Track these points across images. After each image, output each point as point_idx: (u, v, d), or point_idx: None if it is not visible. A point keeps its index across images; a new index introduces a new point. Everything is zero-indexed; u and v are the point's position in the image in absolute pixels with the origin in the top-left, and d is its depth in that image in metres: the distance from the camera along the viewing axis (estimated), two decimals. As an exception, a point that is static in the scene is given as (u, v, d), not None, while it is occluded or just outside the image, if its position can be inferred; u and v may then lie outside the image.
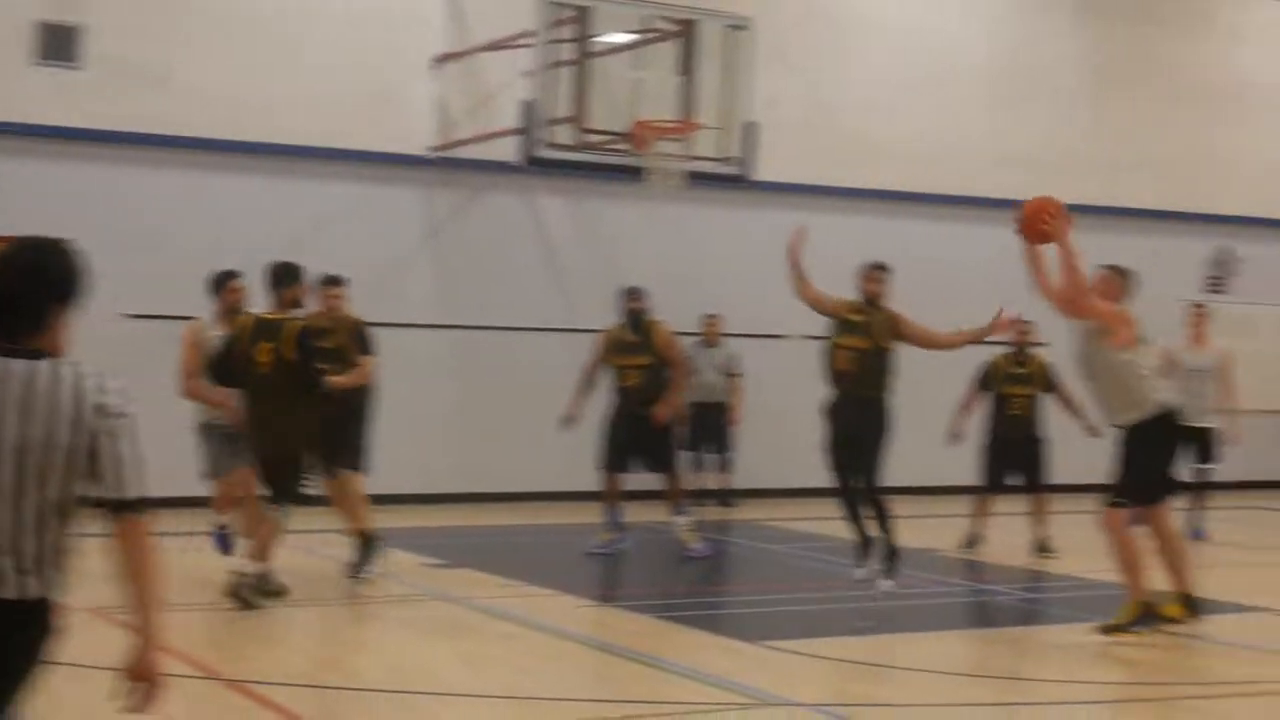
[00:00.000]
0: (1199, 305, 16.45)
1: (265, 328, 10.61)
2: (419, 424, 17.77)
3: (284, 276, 10.83)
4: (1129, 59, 21.79)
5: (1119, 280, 10.42)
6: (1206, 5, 22.44)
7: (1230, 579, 13.57)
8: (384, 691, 8.44)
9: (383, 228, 17.73)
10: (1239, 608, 11.73)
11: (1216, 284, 22.44)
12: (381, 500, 17.33)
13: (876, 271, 12.20)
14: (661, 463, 13.63)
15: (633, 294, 14.05)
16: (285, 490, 10.65)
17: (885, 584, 11.64)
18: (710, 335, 18.30)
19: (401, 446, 17.67)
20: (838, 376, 11.89)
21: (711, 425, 18.03)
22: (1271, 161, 22.62)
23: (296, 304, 10.93)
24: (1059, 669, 9.63)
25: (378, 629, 10.35)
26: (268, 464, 10.63)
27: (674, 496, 13.76)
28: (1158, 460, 10.16)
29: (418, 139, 17.78)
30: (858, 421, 11.64)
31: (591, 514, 14.12)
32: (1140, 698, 8.79)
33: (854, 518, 11.88)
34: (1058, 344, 12.99)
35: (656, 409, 13.41)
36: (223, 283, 11.78)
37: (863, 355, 11.73)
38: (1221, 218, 22.30)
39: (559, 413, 14.13)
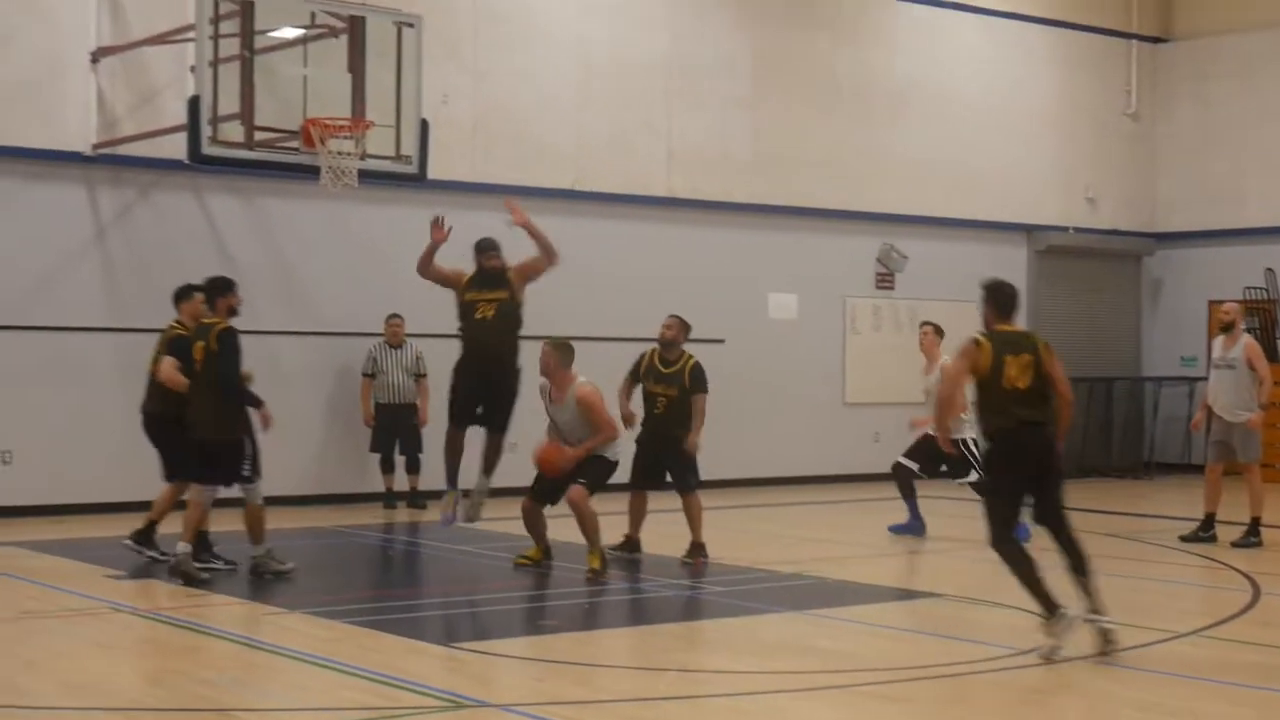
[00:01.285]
0: (928, 325, 16.44)
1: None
2: (90, 431, 17.35)
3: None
4: (789, 61, 22.44)
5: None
6: (861, 9, 23.22)
7: (907, 567, 14.16)
8: (60, 709, 8.19)
9: (44, 228, 17.20)
10: (910, 594, 12.26)
11: (885, 281, 23.29)
12: (56, 510, 16.96)
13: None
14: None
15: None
16: None
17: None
18: (394, 336, 18.30)
19: (71, 455, 17.24)
20: None
21: (401, 427, 18.11)
22: (927, 160, 23.58)
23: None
24: (743, 660, 9.91)
25: (53, 645, 10.05)
26: None
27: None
28: None
29: (79, 135, 17.28)
30: None
31: (274, 520, 13.91)
32: (825, 685, 9.07)
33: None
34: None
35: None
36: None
37: None
38: (884, 216, 23.17)
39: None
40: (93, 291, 17.53)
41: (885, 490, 20.67)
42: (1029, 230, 24.83)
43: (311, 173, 15.51)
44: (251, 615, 11.17)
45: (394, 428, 18.09)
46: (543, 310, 20.00)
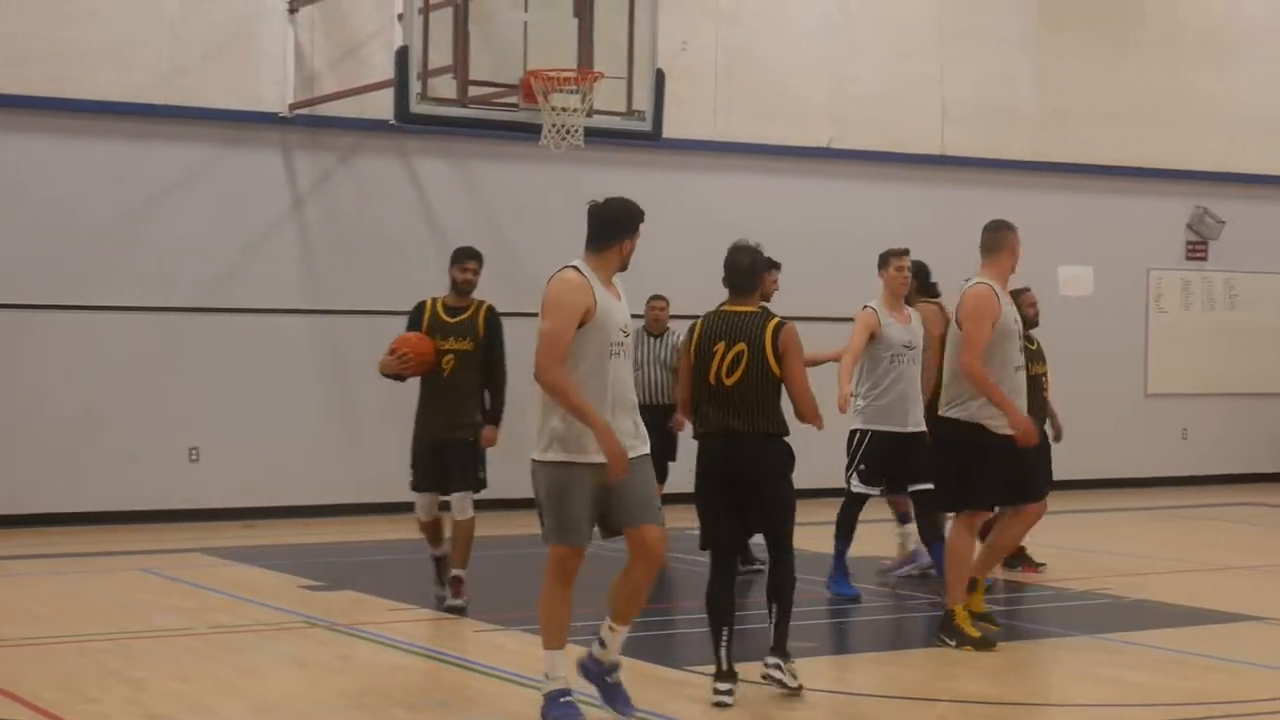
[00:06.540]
0: None
1: None
2: (284, 426, 17.73)
3: None
4: (1085, -3, 22.08)
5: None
6: (1174, -67, 22.74)
7: (1220, 586, 13.80)
8: (255, 734, 8.40)
9: (238, 196, 17.65)
10: (1225, 617, 11.95)
11: (1197, 250, 22.75)
12: (247, 514, 17.41)
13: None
14: None
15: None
16: None
17: None
18: (655, 323, 16.70)
19: (264, 453, 17.64)
20: None
21: (654, 431, 16.87)
22: (1249, 108, 22.94)
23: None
24: (1026, 690, 9.76)
25: (245, 663, 10.29)
26: None
27: None
28: None
29: (275, 95, 17.69)
30: None
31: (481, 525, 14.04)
32: (1123, 721, 8.90)
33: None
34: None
35: None
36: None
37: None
38: (1196, 174, 22.61)
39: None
40: (288, 269, 17.94)
41: (1196, 496, 20.28)
42: (1371, 190, 24.08)
43: (532, 131, 15.59)
44: (460, 632, 11.30)
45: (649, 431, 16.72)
46: (794, 286, 19.99)
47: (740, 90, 19.86)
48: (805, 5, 20.35)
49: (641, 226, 8.65)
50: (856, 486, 12.62)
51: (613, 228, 8.55)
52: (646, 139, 16.59)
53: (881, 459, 12.48)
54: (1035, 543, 12.89)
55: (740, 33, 19.89)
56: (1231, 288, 22.88)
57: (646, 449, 8.67)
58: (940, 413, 10.96)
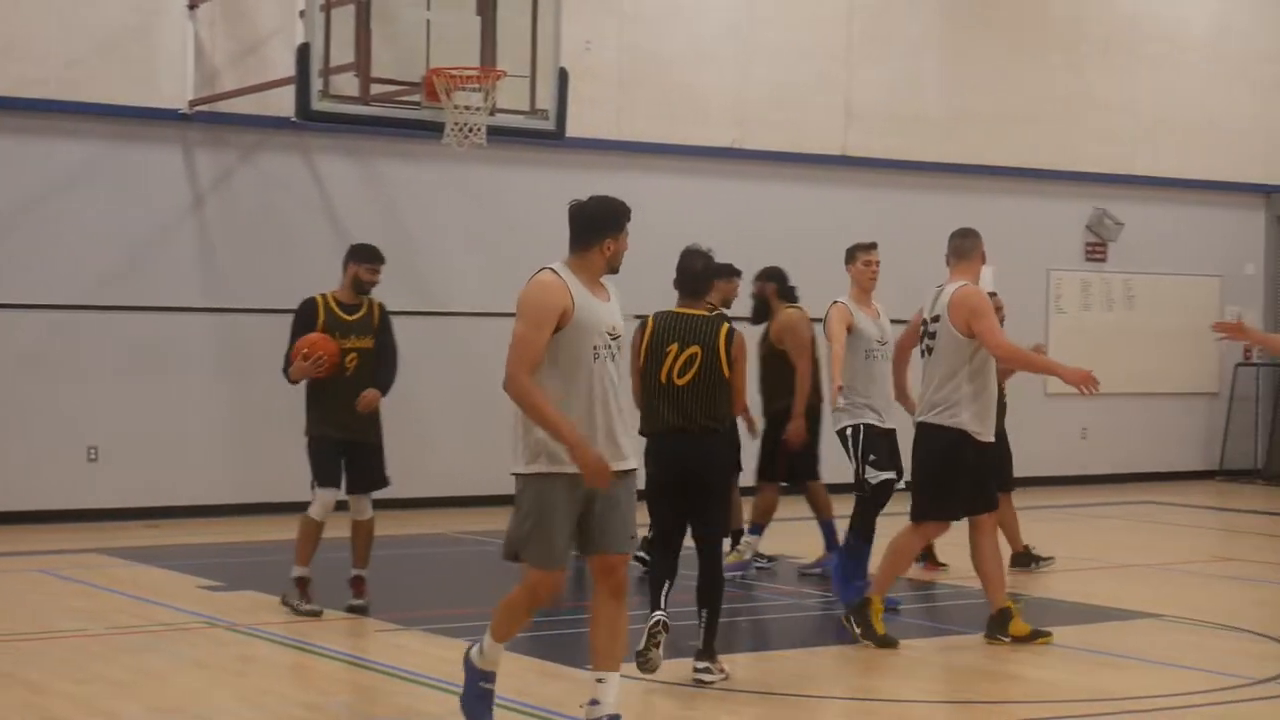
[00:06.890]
0: None
1: None
2: (185, 425, 17.63)
3: None
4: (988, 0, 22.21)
5: None
6: (1075, -64, 22.93)
7: (1120, 583, 13.95)
8: (154, 735, 8.35)
9: (134, 195, 17.51)
10: (1124, 614, 12.08)
11: (1096, 252, 22.96)
12: (147, 514, 17.28)
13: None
14: None
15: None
16: None
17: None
18: None
19: (163, 453, 17.53)
20: None
21: None
22: (1149, 112, 23.18)
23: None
24: (929, 687, 9.84)
25: (143, 664, 10.22)
26: None
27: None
28: None
29: (174, 91, 17.56)
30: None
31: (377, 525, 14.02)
32: (1024, 718, 8.97)
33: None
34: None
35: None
36: None
37: None
38: (1096, 176, 22.82)
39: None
40: (188, 267, 17.81)
41: (1095, 494, 20.49)
42: (1269, 192, 24.34)
43: (435, 130, 15.56)
44: (361, 631, 11.29)
45: None
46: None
47: (644, 90, 19.89)
48: (708, 5, 20.40)
49: (628, 225, 8.23)
50: (875, 476, 11.99)
51: (591, 228, 8.13)
52: (550, 138, 16.58)
53: (883, 447, 12.11)
54: (939, 541, 12.96)
55: (644, 33, 19.91)
56: (1130, 289, 23.13)
57: (634, 463, 8.09)
58: (921, 418, 10.98)
